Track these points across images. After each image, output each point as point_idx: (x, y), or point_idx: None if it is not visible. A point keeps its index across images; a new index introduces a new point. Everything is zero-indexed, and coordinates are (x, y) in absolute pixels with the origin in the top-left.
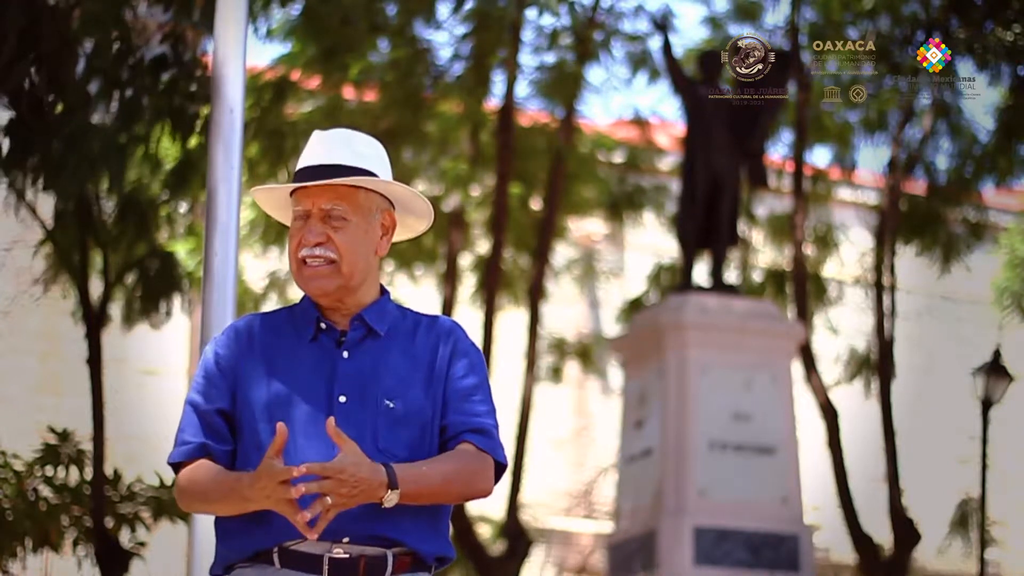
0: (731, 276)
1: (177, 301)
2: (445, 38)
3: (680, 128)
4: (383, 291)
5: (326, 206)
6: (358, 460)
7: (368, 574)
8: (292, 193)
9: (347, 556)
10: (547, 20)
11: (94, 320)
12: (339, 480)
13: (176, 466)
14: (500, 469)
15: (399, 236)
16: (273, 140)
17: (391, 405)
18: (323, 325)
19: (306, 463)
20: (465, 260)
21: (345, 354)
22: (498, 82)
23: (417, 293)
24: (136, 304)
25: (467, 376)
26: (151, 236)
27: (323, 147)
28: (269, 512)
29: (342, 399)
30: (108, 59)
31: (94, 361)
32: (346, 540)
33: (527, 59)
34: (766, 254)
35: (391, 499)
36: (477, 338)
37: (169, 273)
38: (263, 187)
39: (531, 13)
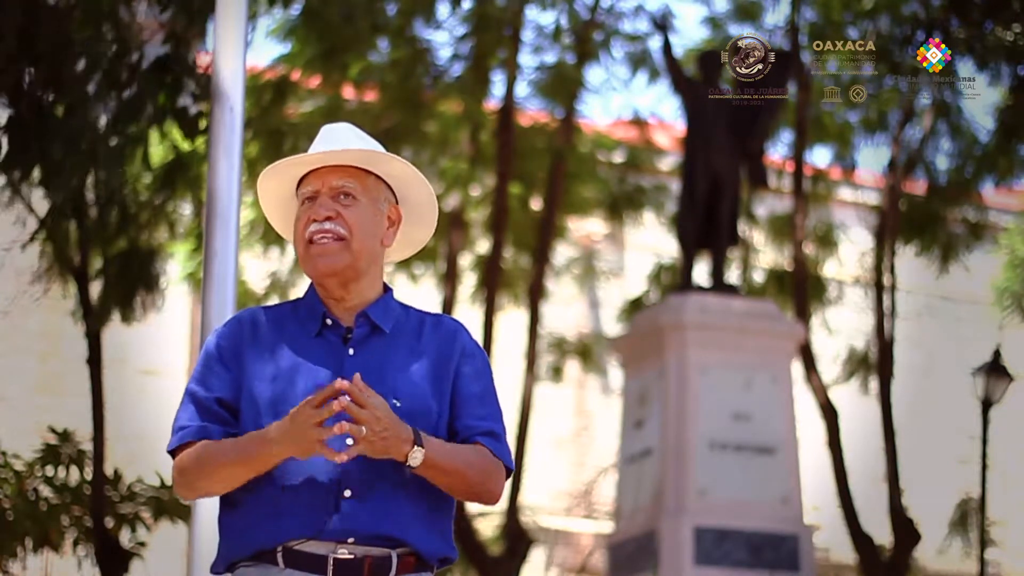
0: (731, 276)
1: (153, 298)
2: (445, 38)
3: (680, 128)
4: (386, 288)
5: (336, 183)
6: (389, 409)
7: (373, 574)
8: (299, 185)
9: (352, 556)
10: (547, 19)
11: (93, 319)
12: (374, 415)
13: (175, 453)
14: (507, 474)
15: (402, 253)
16: (273, 140)
17: (397, 403)
18: (328, 321)
19: (344, 384)
20: (465, 260)
21: (351, 351)
22: (498, 82)
23: (417, 293)
24: (111, 300)
25: (475, 381)
26: (132, 233)
27: (332, 135)
28: (273, 511)
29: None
30: (104, 57)
31: (94, 361)
32: (351, 540)
33: (527, 59)
34: (766, 254)
35: (416, 456)
36: (477, 338)
37: (146, 271)
38: (271, 167)
39: (531, 12)
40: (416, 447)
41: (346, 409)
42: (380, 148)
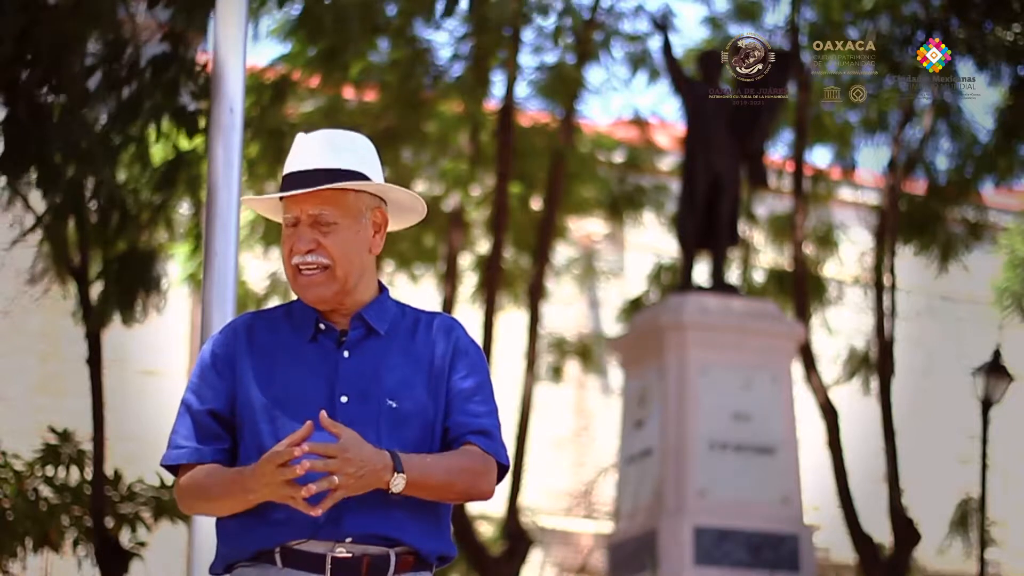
0: (731, 276)
1: (153, 300)
2: (445, 38)
3: (680, 128)
4: (382, 288)
5: (313, 211)
6: (360, 443)
7: (371, 574)
8: (282, 198)
9: (350, 555)
10: (547, 19)
11: (94, 320)
12: (344, 459)
13: (168, 468)
14: (502, 471)
15: (394, 227)
16: (273, 140)
17: (393, 405)
18: (322, 326)
19: (308, 444)
20: (465, 260)
21: (346, 354)
22: (498, 82)
23: (417, 293)
24: (111, 302)
25: (469, 376)
26: (132, 234)
27: (305, 152)
28: (271, 512)
29: (344, 399)
30: (103, 56)
31: (94, 361)
32: (349, 540)
33: (527, 59)
34: (766, 254)
35: (398, 483)
36: (477, 338)
37: (146, 273)
38: (250, 198)
39: (531, 13)
40: (396, 474)
41: (311, 469)
42: (360, 144)
